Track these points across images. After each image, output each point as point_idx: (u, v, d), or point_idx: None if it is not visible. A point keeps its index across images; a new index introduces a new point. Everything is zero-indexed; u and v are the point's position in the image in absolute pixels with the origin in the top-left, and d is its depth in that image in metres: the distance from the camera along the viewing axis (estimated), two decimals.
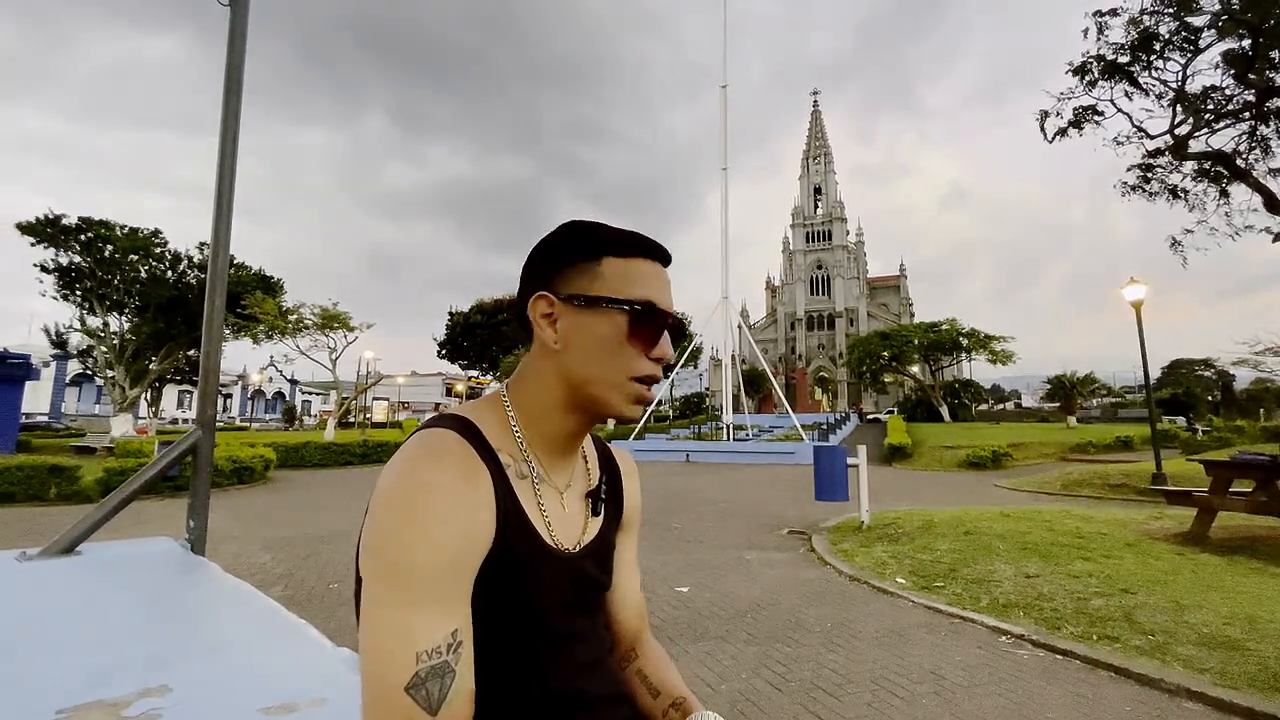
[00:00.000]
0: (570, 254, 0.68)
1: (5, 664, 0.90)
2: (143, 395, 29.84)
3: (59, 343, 30.71)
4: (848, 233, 71.08)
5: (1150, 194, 12.82)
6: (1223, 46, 11.11)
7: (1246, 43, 10.66)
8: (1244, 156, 11.54)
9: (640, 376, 0.67)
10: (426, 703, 0.52)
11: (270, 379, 63.88)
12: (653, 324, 0.67)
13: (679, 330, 0.73)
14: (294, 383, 68.67)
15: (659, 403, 45.48)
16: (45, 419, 39.71)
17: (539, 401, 0.69)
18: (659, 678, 0.80)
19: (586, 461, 0.78)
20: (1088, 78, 12.28)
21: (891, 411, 45.13)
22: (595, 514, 0.74)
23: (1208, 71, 11.65)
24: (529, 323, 0.68)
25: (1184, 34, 11.24)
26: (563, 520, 0.69)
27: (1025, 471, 18.33)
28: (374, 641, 0.53)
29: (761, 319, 76.69)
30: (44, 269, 25.31)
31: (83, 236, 24.87)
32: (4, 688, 0.81)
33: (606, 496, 0.78)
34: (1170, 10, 11.14)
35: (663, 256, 0.71)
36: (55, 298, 25.87)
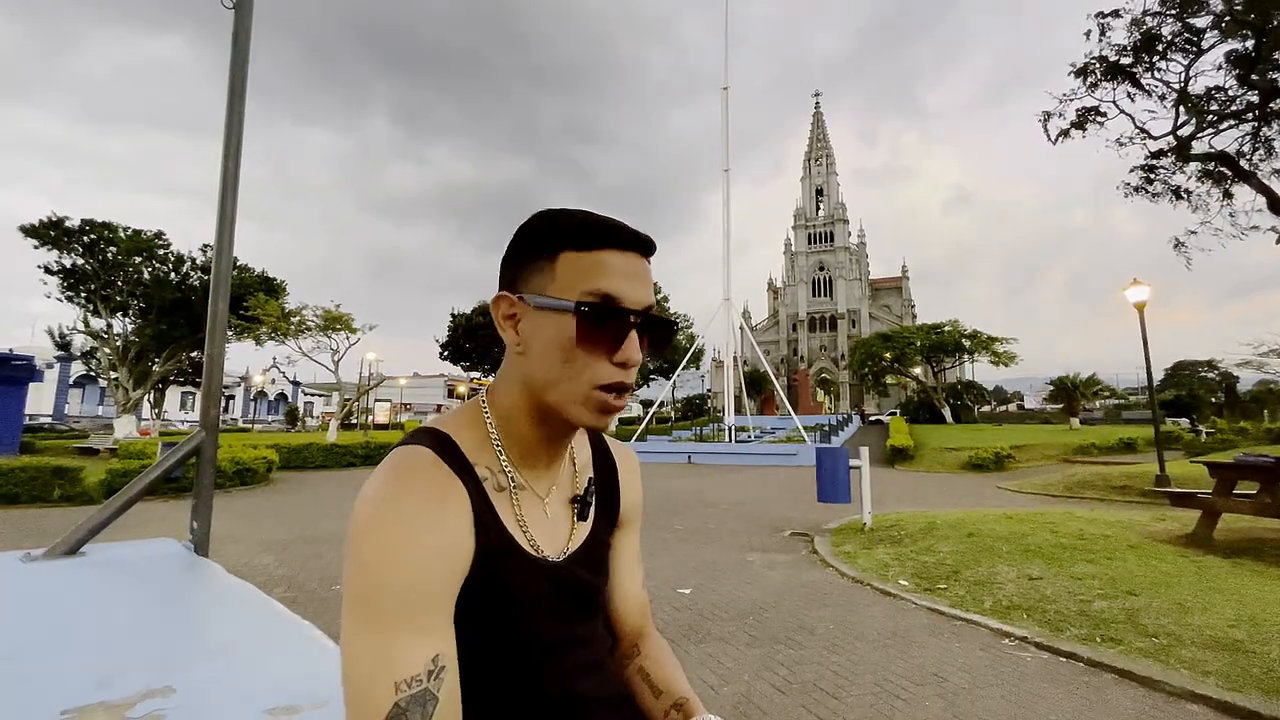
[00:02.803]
0: (529, 249, 0.64)
1: (10, 665, 0.90)
2: (146, 397, 29.90)
3: (62, 344, 30.83)
4: (850, 234, 70.94)
5: (1153, 195, 12.81)
6: (1225, 47, 11.10)
7: (1249, 43, 10.64)
8: (1248, 157, 11.52)
9: (603, 385, 0.60)
10: None
11: (273, 381, 63.99)
12: (613, 324, 0.60)
13: (659, 327, 0.64)
14: (296, 384, 68.75)
15: (661, 404, 45.44)
16: (49, 420, 39.84)
17: (512, 406, 0.66)
18: (661, 676, 0.78)
19: (575, 464, 0.75)
20: (1090, 79, 12.29)
21: (894, 413, 45.04)
22: (581, 519, 0.72)
23: (1210, 72, 11.66)
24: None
25: (1186, 35, 11.23)
26: (544, 528, 0.68)
27: (1028, 473, 18.28)
28: (353, 672, 0.53)
29: (764, 320, 76.56)
30: (48, 271, 25.41)
31: (85, 238, 24.99)
32: (8, 689, 0.82)
33: (596, 498, 0.76)
34: (1173, 11, 11.13)
35: (635, 244, 0.63)
36: (59, 300, 25.99)
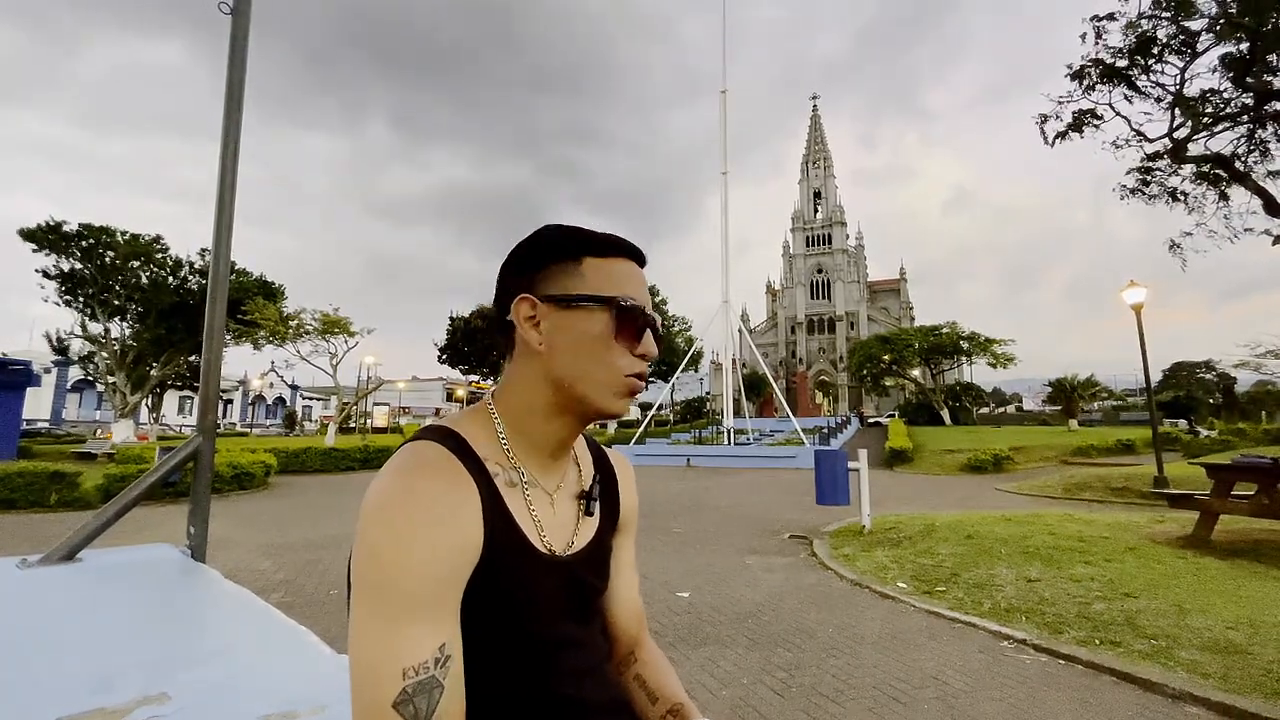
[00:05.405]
0: (550, 255, 0.68)
1: (6, 671, 0.89)
2: (143, 401, 29.82)
3: (60, 349, 30.73)
4: (848, 236, 71.11)
5: (1149, 197, 12.85)
6: (1220, 50, 11.15)
7: (1244, 46, 10.70)
8: (1243, 159, 11.56)
9: (630, 373, 0.68)
10: (414, 719, 0.52)
11: (271, 384, 63.82)
12: (635, 321, 0.68)
13: (656, 331, 0.72)
14: (295, 388, 68.58)
15: (660, 407, 45.42)
16: (46, 425, 39.70)
17: (526, 405, 0.69)
18: (657, 683, 0.79)
19: (579, 465, 0.77)
20: (1086, 82, 12.33)
21: (892, 415, 45.04)
22: (588, 514, 0.74)
23: (1206, 75, 11.71)
24: (509, 327, 0.69)
25: (1181, 38, 11.28)
26: (554, 524, 0.69)
27: (1026, 475, 18.29)
28: (361, 658, 0.54)
29: (762, 323, 76.61)
30: (46, 275, 25.40)
31: (84, 243, 24.99)
32: (5, 695, 0.81)
33: (600, 498, 0.77)
34: (1168, 14, 11.19)
35: (639, 257, 0.72)
36: (57, 303, 25.98)
